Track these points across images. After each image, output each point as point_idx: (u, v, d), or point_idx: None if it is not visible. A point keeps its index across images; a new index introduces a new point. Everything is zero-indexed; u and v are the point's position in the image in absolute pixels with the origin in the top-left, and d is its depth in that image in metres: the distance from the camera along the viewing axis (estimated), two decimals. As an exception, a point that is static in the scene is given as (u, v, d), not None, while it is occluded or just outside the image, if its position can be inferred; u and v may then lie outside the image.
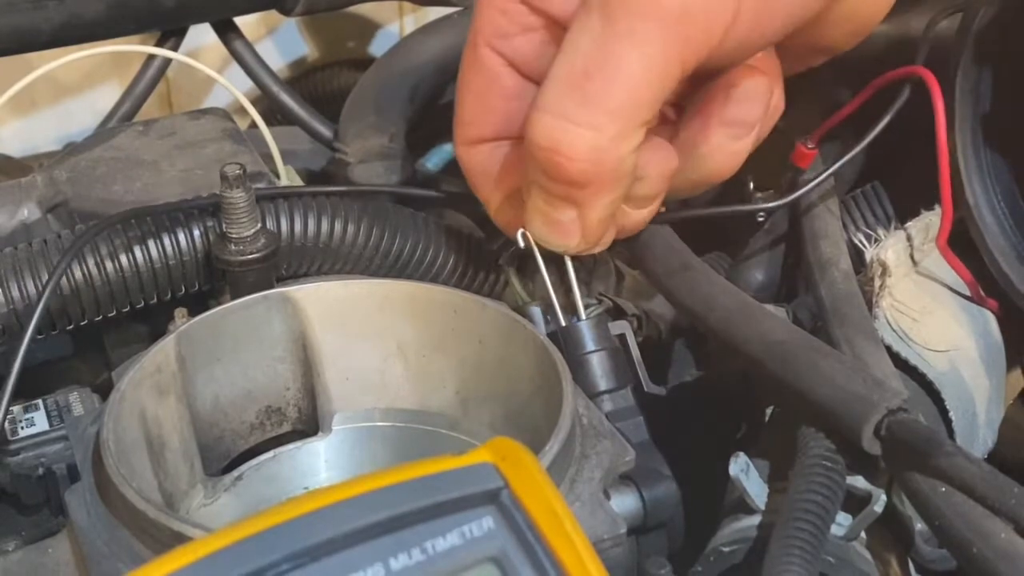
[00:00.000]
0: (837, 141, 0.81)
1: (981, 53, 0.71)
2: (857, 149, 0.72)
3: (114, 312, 0.68)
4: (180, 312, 0.67)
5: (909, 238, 0.72)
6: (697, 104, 0.65)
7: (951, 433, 0.67)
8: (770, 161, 0.72)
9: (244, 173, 0.65)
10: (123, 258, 0.66)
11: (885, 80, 0.72)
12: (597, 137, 0.57)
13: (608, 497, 0.55)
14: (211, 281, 0.69)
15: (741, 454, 0.59)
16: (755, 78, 0.64)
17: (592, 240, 0.63)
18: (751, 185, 0.87)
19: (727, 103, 0.64)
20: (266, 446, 0.65)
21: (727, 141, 0.65)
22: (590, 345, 0.64)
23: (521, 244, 0.66)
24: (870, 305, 0.68)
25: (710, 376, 0.72)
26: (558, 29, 0.62)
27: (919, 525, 0.60)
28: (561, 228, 0.62)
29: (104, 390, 0.61)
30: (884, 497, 0.57)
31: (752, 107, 0.64)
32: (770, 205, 0.75)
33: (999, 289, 0.73)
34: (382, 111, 0.92)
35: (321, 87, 1.26)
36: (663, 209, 0.70)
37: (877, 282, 0.70)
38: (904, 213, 0.76)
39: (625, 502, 0.56)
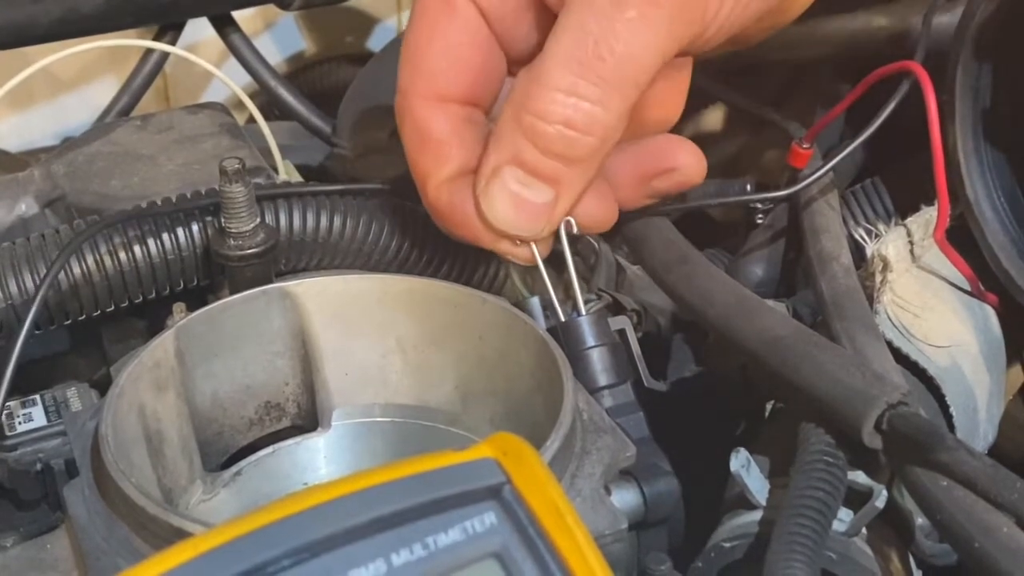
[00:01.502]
0: (838, 139, 0.81)
1: (981, 49, 0.71)
2: (856, 142, 0.72)
3: (112, 308, 0.67)
4: (178, 307, 0.67)
5: (909, 233, 0.72)
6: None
7: (952, 429, 0.67)
8: (769, 160, 0.72)
9: (243, 168, 0.64)
10: (121, 254, 0.66)
11: (876, 76, 0.71)
12: (607, 115, 0.59)
13: (609, 493, 0.55)
14: (210, 276, 0.69)
15: (742, 449, 0.59)
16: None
17: (554, 225, 0.63)
18: (749, 187, 0.87)
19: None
20: (265, 442, 0.65)
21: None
22: (590, 341, 0.64)
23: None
24: (871, 301, 0.68)
25: (710, 371, 0.72)
26: None
27: (920, 520, 0.60)
28: (532, 210, 0.62)
29: (102, 385, 0.61)
30: (885, 493, 0.57)
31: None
32: (768, 195, 0.75)
33: (999, 284, 0.73)
34: (380, 106, 0.91)
35: (319, 82, 1.26)
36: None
37: (878, 277, 0.70)
38: (904, 208, 0.75)
39: (626, 498, 0.56)
